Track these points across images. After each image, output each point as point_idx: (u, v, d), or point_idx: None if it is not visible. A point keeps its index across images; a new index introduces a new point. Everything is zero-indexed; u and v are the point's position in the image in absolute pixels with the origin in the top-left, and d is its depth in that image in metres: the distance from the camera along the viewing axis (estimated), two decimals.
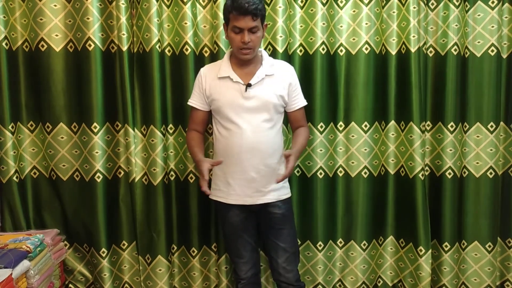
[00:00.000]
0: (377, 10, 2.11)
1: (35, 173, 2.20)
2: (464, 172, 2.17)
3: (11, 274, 1.65)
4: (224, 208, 1.88)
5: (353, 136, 2.18)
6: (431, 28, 2.13)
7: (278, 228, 1.88)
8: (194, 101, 1.90)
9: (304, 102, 1.93)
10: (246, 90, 1.78)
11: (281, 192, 1.87)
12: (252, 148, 1.77)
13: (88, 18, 2.03)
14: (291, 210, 1.96)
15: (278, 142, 1.85)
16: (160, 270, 2.18)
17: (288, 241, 1.90)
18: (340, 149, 2.18)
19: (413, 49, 2.05)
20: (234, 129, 1.79)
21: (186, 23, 2.06)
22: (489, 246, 2.17)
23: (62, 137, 2.14)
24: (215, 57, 2.07)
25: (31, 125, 2.16)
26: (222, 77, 1.82)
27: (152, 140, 2.11)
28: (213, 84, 1.84)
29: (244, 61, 1.81)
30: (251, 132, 1.77)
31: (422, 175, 2.11)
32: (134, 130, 2.11)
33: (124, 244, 2.20)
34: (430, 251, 2.15)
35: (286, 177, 1.72)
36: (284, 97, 1.84)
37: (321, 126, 2.14)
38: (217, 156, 1.85)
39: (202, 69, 1.91)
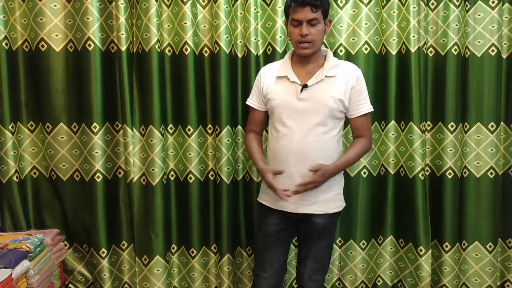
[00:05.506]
0: (377, 10, 2.11)
1: (35, 173, 2.20)
2: (465, 172, 2.16)
3: (11, 274, 1.65)
4: (264, 212, 1.79)
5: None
6: (431, 28, 2.13)
7: (317, 238, 1.75)
8: (252, 101, 1.83)
9: (368, 109, 1.74)
10: (301, 91, 1.67)
11: (331, 204, 1.73)
12: (300, 152, 1.65)
13: (88, 18, 2.03)
14: (335, 223, 1.82)
15: (332, 150, 1.70)
16: (158, 270, 2.18)
17: (323, 253, 1.79)
18: None
19: (413, 49, 2.05)
20: (284, 131, 1.69)
21: (186, 23, 2.06)
22: (490, 246, 2.17)
23: (62, 137, 2.14)
24: (215, 57, 2.07)
25: (31, 125, 2.16)
26: (280, 77, 1.73)
27: (151, 140, 2.10)
28: (270, 83, 1.75)
29: (305, 60, 1.70)
30: (301, 135, 1.66)
31: (422, 175, 2.11)
32: (132, 130, 2.11)
33: (124, 244, 2.20)
34: (430, 251, 2.15)
35: (302, 186, 1.61)
36: (344, 101, 1.68)
37: None
38: (268, 159, 1.77)
39: (262, 68, 1.85)
